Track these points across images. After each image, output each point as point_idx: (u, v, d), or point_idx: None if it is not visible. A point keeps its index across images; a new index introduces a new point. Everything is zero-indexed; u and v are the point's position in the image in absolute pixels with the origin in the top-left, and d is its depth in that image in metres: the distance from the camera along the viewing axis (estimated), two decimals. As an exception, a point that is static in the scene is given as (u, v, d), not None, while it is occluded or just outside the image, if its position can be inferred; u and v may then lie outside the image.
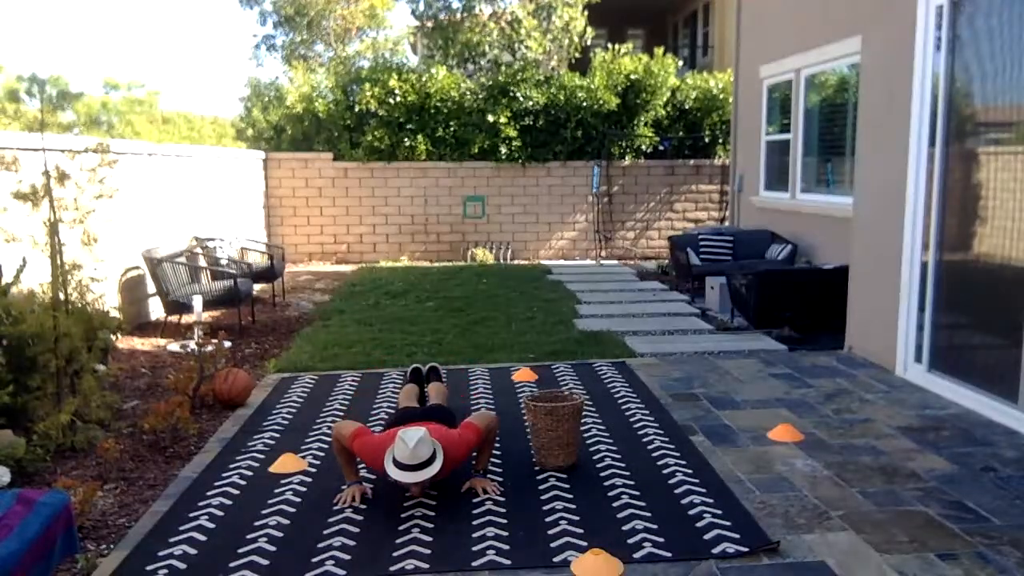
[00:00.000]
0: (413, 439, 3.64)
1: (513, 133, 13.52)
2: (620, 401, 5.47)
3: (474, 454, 4.28)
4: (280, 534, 3.58)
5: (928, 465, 4.27)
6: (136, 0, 69.89)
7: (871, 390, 5.68)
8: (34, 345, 4.61)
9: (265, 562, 3.33)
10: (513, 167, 13.91)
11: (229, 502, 3.93)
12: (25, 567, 2.75)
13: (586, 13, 18.71)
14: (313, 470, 4.33)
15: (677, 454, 4.45)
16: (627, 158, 14.11)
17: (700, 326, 7.91)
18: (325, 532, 3.59)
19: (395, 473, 3.66)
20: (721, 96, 14.07)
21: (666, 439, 4.70)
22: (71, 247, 5.16)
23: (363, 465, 4.34)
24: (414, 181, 13.82)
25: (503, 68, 14.82)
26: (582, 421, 4.91)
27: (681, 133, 14.35)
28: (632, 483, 4.06)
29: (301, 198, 13.77)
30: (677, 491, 3.95)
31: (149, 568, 3.29)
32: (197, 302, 6.88)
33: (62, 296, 4.91)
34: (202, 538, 3.55)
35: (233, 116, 24.40)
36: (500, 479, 4.13)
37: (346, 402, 5.55)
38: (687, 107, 14.29)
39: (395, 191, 13.84)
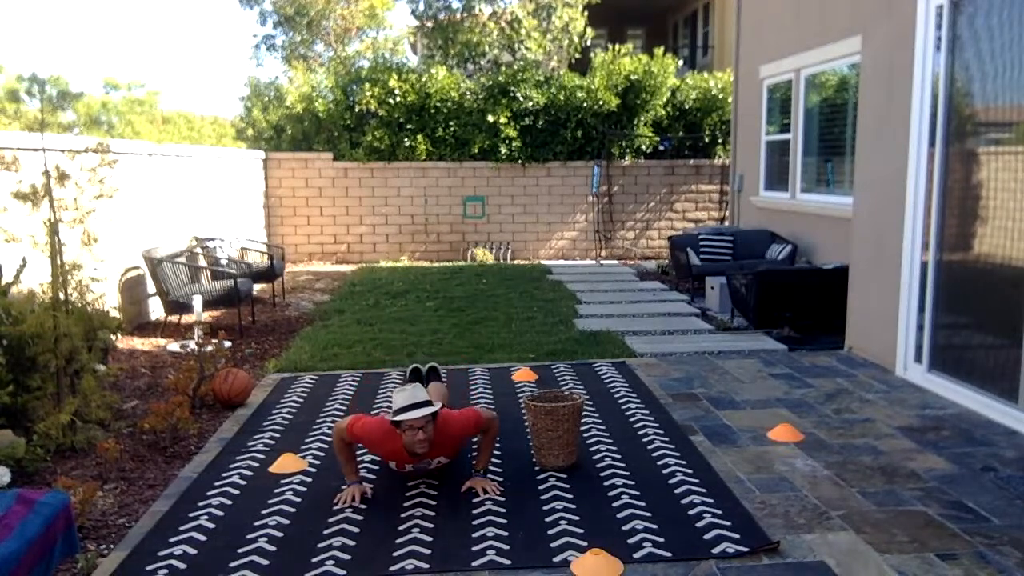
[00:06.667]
0: (409, 387, 3.85)
1: (513, 133, 13.52)
2: (620, 401, 5.47)
3: (474, 453, 4.28)
4: (280, 534, 3.58)
5: (928, 465, 4.27)
6: (136, 0, 69.91)
7: (871, 390, 5.68)
8: (34, 345, 4.61)
9: (265, 562, 3.33)
10: (513, 167, 13.91)
11: (229, 502, 3.93)
12: (25, 567, 2.75)
13: (586, 13, 18.71)
14: (313, 470, 4.33)
15: (677, 454, 4.45)
16: (627, 158, 14.11)
17: (700, 326, 7.91)
18: (325, 532, 3.59)
19: (401, 415, 3.72)
20: (721, 96, 14.07)
21: (666, 439, 4.70)
22: (71, 247, 5.16)
23: (363, 465, 4.34)
24: (414, 181, 13.83)
25: (503, 68, 14.81)
26: (582, 421, 4.91)
27: (681, 133, 14.35)
28: (632, 483, 4.06)
29: (301, 198, 13.77)
30: (677, 491, 3.95)
31: (149, 568, 3.29)
32: (197, 302, 6.88)
33: (62, 296, 4.91)
34: (202, 538, 3.55)
35: (233, 116, 24.42)
36: (500, 479, 4.13)
37: (346, 402, 5.55)
38: (687, 107, 14.29)
39: (395, 191, 13.84)
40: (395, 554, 3.37)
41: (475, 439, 4.60)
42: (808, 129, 9.49)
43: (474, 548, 3.41)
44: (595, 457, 4.43)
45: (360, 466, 4.28)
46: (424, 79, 13.70)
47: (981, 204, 5.18)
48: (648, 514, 3.70)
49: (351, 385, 5.97)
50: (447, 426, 3.93)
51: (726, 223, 13.48)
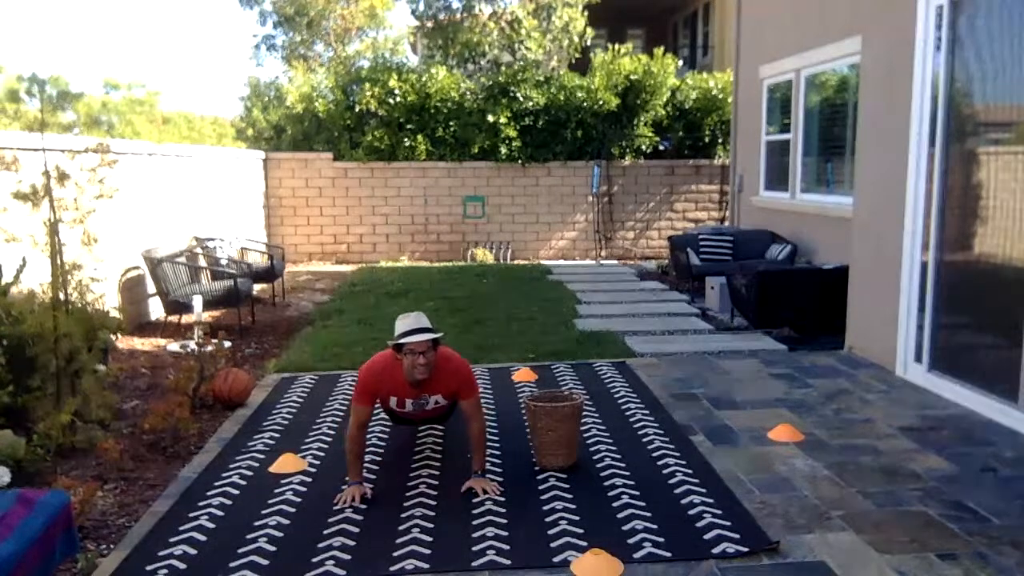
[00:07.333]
0: (412, 314, 4.00)
1: (513, 133, 13.52)
2: (620, 401, 5.47)
3: (471, 454, 4.28)
4: (280, 534, 3.58)
5: (928, 465, 4.27)
6: (136, 0, 69.95)
7: (871, 390, 5.68)
8: (34, 345, 4.61)
9: (265, 562, 3.33)
10: (513, 167, 13.91)
11: (229, 502, 3.92)
12: (25, 567, 2.75)
13: (586, 13, 18.71)
14: (313, 470, 4.33)
15: (677, 454, 4.45)
16: (627, 158, 14.11)
17: (700, 326, 7.91)
18: (325, 532, 3.59)
19: (404, 339, 3.85)
20: (721, 96, 14.07)
21: (666, 439, 4.70)
22: (71, 247, 5.16)
23: (364, 466, 4.33)
24: (414, 181, 13.82)
25: (503, 68, 14.82)
26: (582, 421, 4.91)
27: (681, 133, 14.34)
28: (632, 483, 4.06)
29: (301, 198, 13.77)
30: (677, 491, 3.95)
31: (149, 568, 3.29)
32: (197, 302, 6.88)
33: (62, 296, 4.91)
34: (202, 538, 3.55)
35: (233, 116, 24.42)
36: (500, 479, 4.13)
37: (346, 402, 5.55)
38: (687, 107, 14.29)
39: (395, 191, 13.84)
40: (395, 554, 3.37)
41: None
42: (808, 129, 9.49)
43: (474, 548, 3.41)
44: (595, 457, 4.43)
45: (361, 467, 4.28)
46: (424, 79, 13.69)
47: (981, 204, 5.18)
48: (648, 514, 3.70)
49: (351, 385, 5.97)
50: (448, 361, 4.07)
51: (726, 223, 13.48)
